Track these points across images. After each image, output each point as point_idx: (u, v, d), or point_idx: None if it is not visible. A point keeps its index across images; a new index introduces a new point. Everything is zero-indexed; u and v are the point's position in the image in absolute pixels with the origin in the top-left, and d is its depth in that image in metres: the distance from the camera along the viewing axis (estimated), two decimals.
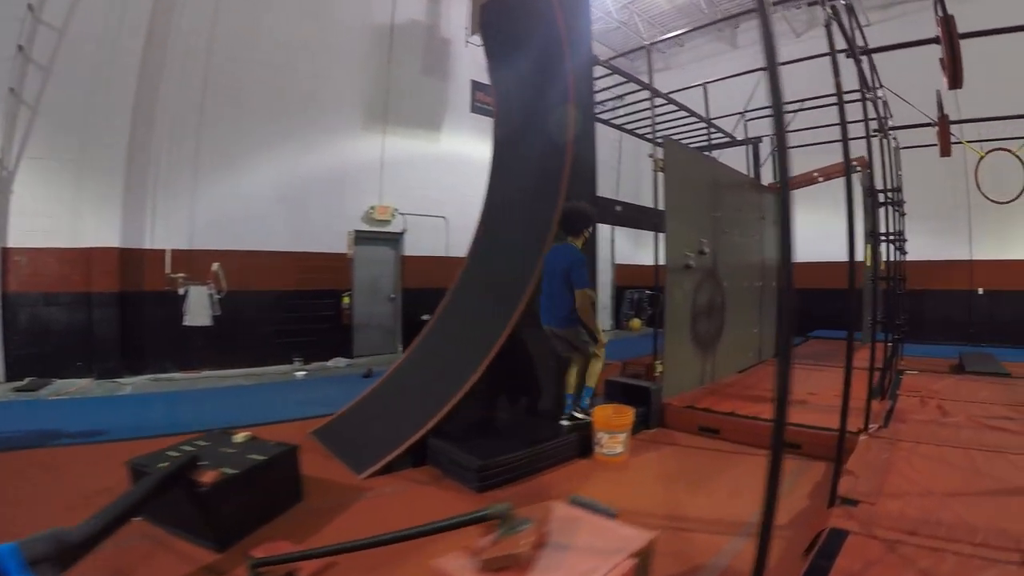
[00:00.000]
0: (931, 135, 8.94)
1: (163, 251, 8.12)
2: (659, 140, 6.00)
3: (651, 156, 6.00)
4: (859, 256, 7.63)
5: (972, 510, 3.23)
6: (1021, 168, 6.87)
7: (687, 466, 4.79)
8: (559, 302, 4.82)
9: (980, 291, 10.84)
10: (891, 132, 7.64)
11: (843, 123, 3.84)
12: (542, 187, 5.84)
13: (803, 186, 8.62)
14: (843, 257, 3.93)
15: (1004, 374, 7.21)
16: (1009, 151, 6.89)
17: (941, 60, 4.89)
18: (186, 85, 8.27)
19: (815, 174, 8.12)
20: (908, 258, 9.37)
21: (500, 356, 4.97)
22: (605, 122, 8.49)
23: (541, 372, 5.69)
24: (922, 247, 10.89)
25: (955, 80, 4.81)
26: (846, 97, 3.99)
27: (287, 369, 8.85)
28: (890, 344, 7.98)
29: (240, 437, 3.76)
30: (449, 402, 4.68)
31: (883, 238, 7.61)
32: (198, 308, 8.20)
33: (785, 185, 2.34)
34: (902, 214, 8.50)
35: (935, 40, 4.75)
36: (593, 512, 2.31)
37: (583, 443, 4.85)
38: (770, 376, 6.89)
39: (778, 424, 2.03)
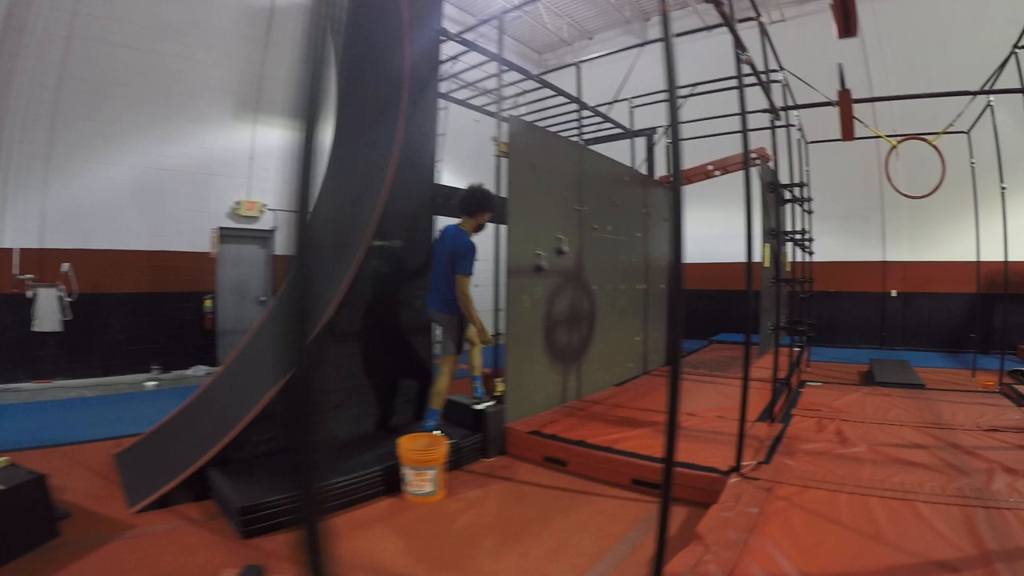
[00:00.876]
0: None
1: (10, 251, 6.40)
2: (505, 118, 4.46)
3: (494, 139, 4.47)
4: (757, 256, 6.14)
5: None
6: (939, 160, 5.43)
7: (514, 510, 3.31)
8: (445, 286, 3.99)
9: (893, 293, 9.44)
10: (794, 124, 6.18)
11: (744, 113, 2.43)
12: (370, 178, 4.39)
13: (698, 180, 7.14)
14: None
15: (918, 385, 5.74)
16: (925, 140, 5.44)
17: (831, 5, 3.46)
18: (41, 71, 6.57)
19: (709, 167, 6.65)
20: (818, 259, 7.95)
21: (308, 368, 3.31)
22: (474, 106, 6.97)
23: (380, 380, 4.23)
24: (834, 248, 9.50)
25: (846, 27, 3.36)
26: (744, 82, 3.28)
27: (143, 378, 7.11)
28: (796, 350, 6.54)
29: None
30: (236, 426, 3.40)
31: (787, 237, 6.17)
32: (47, 312, 6.51)
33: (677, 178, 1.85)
34: (808, 212, 7.05)
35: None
36: None
37: (391, 478, 3.44)
38: (653, 390, 5.45)
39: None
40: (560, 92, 6.49)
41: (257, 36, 8.42)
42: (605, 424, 4.39)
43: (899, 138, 5.63)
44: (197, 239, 7.88)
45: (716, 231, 8.31)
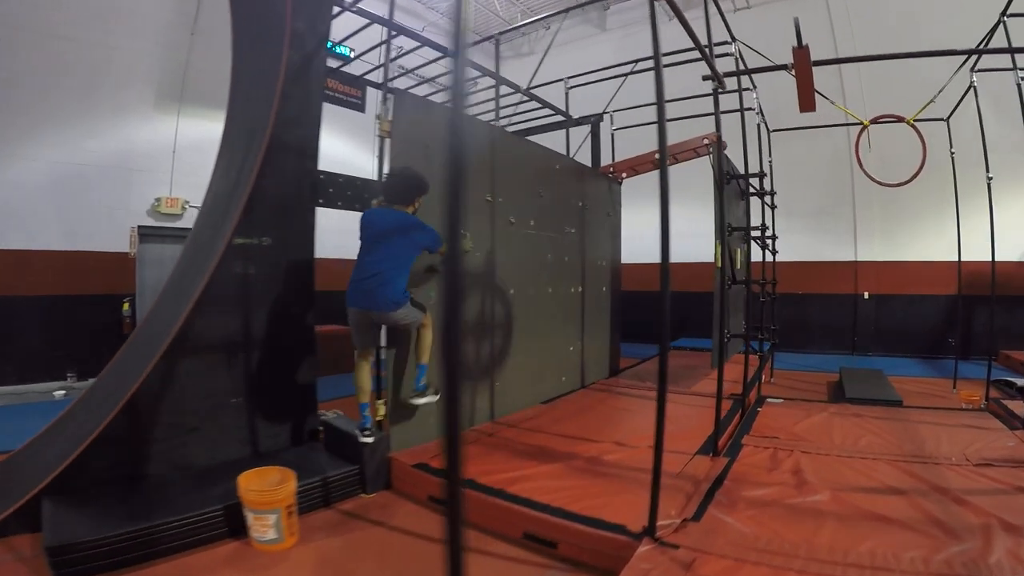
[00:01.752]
0: (810, 119, 6.82)
1: None
2: (392, 90, 3.60)
3: (378, 116, 3.63)
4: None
5: None
6: (919, 144, 4.64)
7: (369, 568, 2.60)
8: (396, 278, 3.26)
9: (866, 295, 8.70)
10: (751, 107, 5.38)
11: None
12: (243, 167, 3.74)
13: (645, 170, 6.29)
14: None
15: (894, 402, 4.93)
16: (901, 119, 4.66)
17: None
18: None
19: (657, 156, 5.79)
20: (784, 258, 7.16)
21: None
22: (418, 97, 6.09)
23: (247, 400, 3.54)
24: (802, 246, 8.72)
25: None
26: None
27: (55, 387, 6.23)
28: (758, 359, 5.72)
29: None
30: (75, 450, 2.88)
31: (741, 233, 5.37)
32: None
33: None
34: (772, 207, 6.26)
35: None
36: None
37: (236, 519, 2.76)
38: (585, 409, 4.59)
39: None
40: (488, 73, 5.61)
41: (184, 23, 7.60)
42: (510, 455, 3.51)
43: (871, 119, 4.83)
44: (116, 239, 7.14)
45: (673, 228, 7.39)
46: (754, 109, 5.33)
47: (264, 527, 2.64)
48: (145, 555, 2.51)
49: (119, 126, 7.06)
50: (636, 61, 5.63)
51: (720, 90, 3.37)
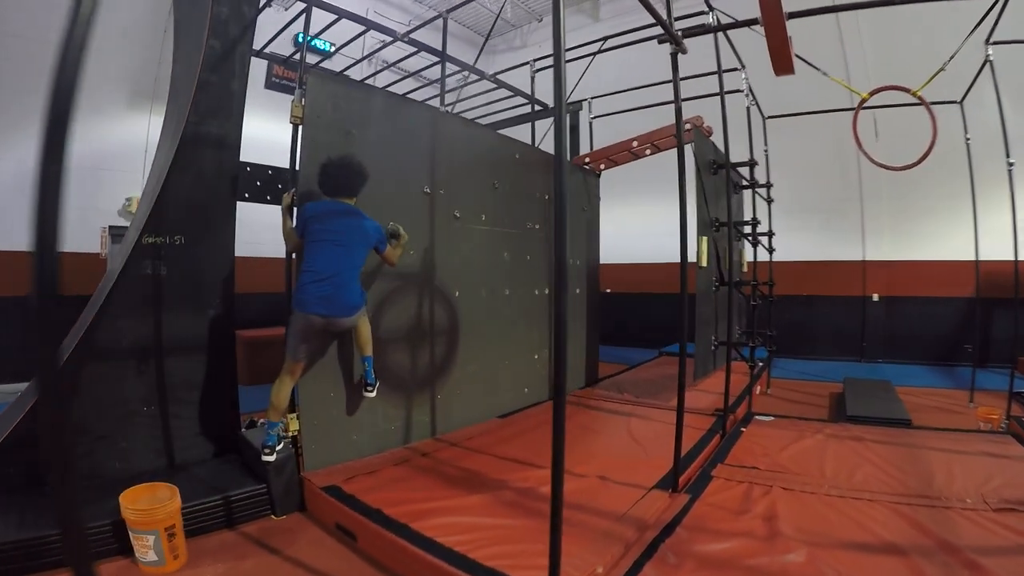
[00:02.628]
0: (810, 103, 6.15)
1: None
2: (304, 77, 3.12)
3: (295, 103, 3.14)
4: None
5: None
6: (929, 120, 3.98)
7: None
8: (354, 279, 3.00)
9: (875, 297, 7.96)
10: (741, 89, 4.79)
11: None
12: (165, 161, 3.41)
13: (624, 161, 5.68)
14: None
15: (902, 422, 4.28)
16: (906, 90, 4.01)
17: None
18: None
19: (635, 144, 5.20)
20: (787, 258, 6.54)
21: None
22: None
23: (161, 407, 3.22)
24: (806, 245, 8.01)
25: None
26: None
27: (11, 389, 5.89)
28: (751, 366, 5.09)
29: None
30: None
31: (737, 230, 4.76)
32: None
33: None
34: (767, 200, 5.65)
35: None
36: None
37: (124, 536, 2.48)
38: (541, 424, 3.99)
39: None
40: (433, 52, 5.06)
41: (157, 21, 7.26)
42: (435, 481, 3.00)
43: (871, 90, 4.17)
44: (86, 239, 6.89)
45: (666, 227, 6.78)
46: (742, 91, 4.72)
47: (144, 548, 2.38)
48: (25, 567, 2.29)
49: (91, 125, 6.72)
50: (606, 38, 5.03)
51: (680, 53, 2.78)
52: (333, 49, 7.80)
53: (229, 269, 3.46)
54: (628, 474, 3.07)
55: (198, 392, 3.32)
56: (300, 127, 3.12)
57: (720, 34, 3.96)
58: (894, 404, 4.82)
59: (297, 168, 3.15)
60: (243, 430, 3.45)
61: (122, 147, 7.10)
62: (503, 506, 2.69)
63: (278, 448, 2.89)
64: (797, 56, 2.98)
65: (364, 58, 6.55)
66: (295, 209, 3.06)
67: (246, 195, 3.93)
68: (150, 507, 2.41)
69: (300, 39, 8.13)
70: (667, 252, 7.79)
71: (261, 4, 4.08)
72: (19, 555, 2.29)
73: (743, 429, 4.01)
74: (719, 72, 3.79)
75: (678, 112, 2.84)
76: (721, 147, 4.39)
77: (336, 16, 4.39)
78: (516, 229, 4.76)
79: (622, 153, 5.39)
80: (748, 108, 4.91)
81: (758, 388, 5.66)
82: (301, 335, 2.92)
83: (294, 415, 3.05)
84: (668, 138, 5.04)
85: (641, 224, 8.49)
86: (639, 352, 7.97)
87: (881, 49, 7.43)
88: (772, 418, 4.36)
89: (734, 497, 2.79)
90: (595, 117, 6.11)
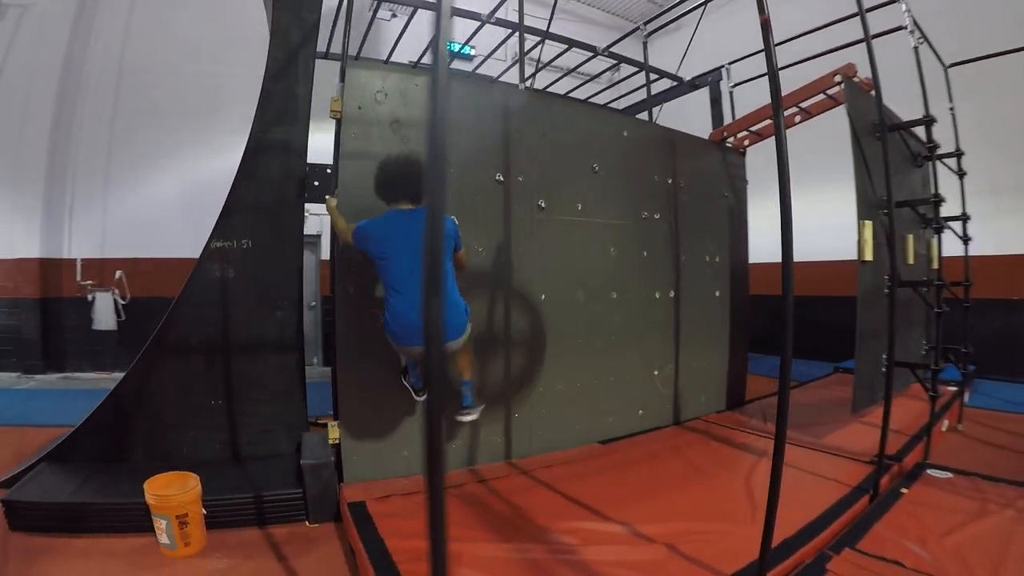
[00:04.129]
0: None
1: (75, 260, 7.14)
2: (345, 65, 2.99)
3: (333, 98, 3.03)
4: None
5: None
6: None
7: None
8: (454, 291, 2.59)
9: None
10: (904, 25, 3.39)
11: None
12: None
13: (767, 133, 4.39)
14: None
15: None
16: None
17: None
18: (100, 102, 7.23)
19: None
20: (990, 251, 4.63)
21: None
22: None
23: (228, 402, 3.45)
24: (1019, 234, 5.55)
25: None
26: None
27: None
28: (932, 395, 3.55)
29: None
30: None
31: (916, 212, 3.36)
32: (104, 313, 7.07)
33: None
34: (957, 173, 4.02)
35: None
36: None
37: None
38: (651, 458, 3.37)
39: None
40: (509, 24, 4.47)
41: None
42: (476, 514, 2.72)
43: None
44: None
45: (841, 219, 5.19)
46: (905, 27, 3.34)
47: (159, 530, 2.57)
48: (72, 527, 2.69)
49: (240, 144, 7.71)
50: None
51: None
52: (473, 52, 7.88)
53: (297, 270, 3.57)
54: (710, 546, 2.32)
55: (266, 391, 3.46)
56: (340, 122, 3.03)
57: None
58: None
59: (337, 165, 3.05)
60: (306, 432, 3.47)
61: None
62: (518, 566, 2.18)
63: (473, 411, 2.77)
64: None
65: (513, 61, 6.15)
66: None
67: (305, 195, 3.95)
68: (165, 494, 2.58)
69: (459, 49, 8.51)
70: (835, 248, 6.15)
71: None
72: (96, 515, 2.71)
73: (904, 490, 2.83)
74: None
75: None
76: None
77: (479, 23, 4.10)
78: (626, 219, 4.10)
79: (766, 124, 4.25)
80: (916, 49, 3.41)
81: (944, 424, 4.03)
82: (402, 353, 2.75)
83: (335, 423, 2.97)
84: (817, 97, 3.79)
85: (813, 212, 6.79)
86: (812, 366, 6.41)
87: None
88: (950, 474, 2.98)
89: None
90: (735, 85, 4.96)
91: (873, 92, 3.03)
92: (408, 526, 2.45)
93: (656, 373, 4.29)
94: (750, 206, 4.99)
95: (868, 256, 3.16)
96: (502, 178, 3.44)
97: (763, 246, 5.08)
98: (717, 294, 4.76)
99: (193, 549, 2.57)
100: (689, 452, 3.54)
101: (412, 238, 2.45)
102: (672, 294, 4.39)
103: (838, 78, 3.45)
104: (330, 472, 2.91)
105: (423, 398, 2.97)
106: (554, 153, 3.68)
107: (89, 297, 7.00)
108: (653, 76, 5.38)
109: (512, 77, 4.53)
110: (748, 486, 3.01)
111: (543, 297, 3.62)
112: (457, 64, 7.71)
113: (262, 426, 3.50)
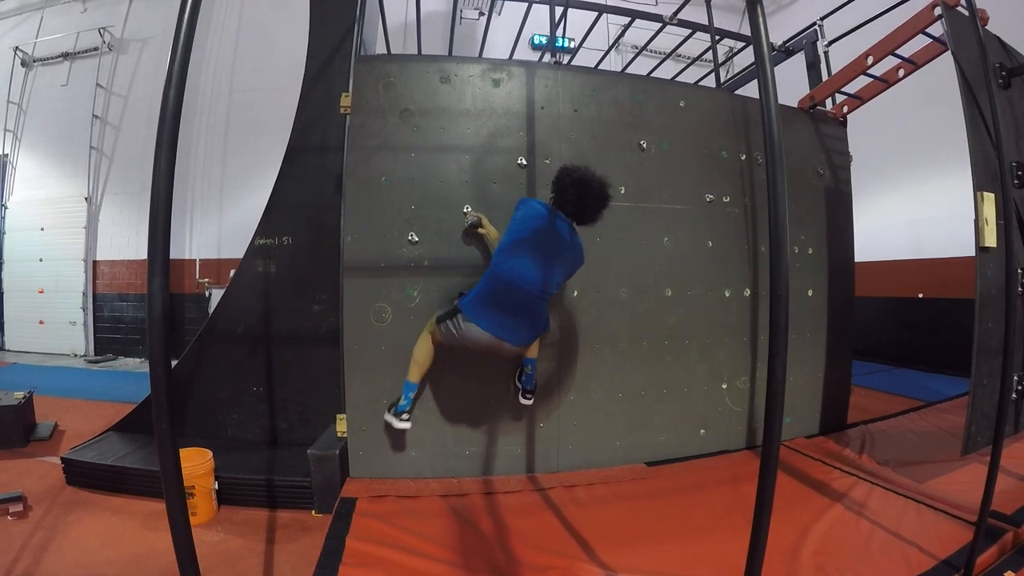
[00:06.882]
0: None
1: (194, 261, 8.08)
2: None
3: (344, 94, 2.88)
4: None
5: None
6: None
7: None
8: (542, 304, 2.60)
9: None
10: None
11: None
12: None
13: (870, 96, 3.39)
14: None
15: None
16: None
17: None
18: (213, 120, 8.12)
19: (869, 59, 3.00)
20: None
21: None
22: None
23: (269, 390, 3.62)
24: None
25: None
26: None
27: None
28: None
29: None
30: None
31: None
32: None
33: None
34: None
35: None
36: None
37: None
38: (701, 488, 2.93)
39: None
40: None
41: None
42: (459, 534, 2.41)
43: None
44: None
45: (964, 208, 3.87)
46: None
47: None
48: (112, 487, 3.04)
49: None
50: None
51: None
52: (574, 44, 7.41)
53: (334, 266, 3.45)
54: None
55: (304, 381, 3.53)
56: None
57: None
58: None
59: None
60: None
61: None
62: None
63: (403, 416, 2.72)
64: None
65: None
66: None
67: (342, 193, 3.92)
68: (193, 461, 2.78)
69: (535, 41, 8.21)
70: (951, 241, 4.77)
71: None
72: (132, 479, 3.02)
73: (1011, 574, 1.87)
74: None
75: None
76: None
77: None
78: (684, 204, 3.48)
79: (865, 84, 3.33)
80: None
81: None
82: (472, 346, 2.60)
83: (342, 417, 2.79)
84: (919, 42, 2.85)
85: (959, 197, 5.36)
86: (945, 382, 5.17)
87: None
88: None
89: None
90: (830, 43, 3.98)
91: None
92: (382, 531, 2.25)
93: (724, 387, 3.58)
94: (856, 188, 4.03)
95: (990, 241, 2.28)
96: (524, 162, 3.05)
97: (886, 238, 4.11)
98: (810, 293, 3.88)
99: (198, 520, 2.69)
100: (746, 486, 2.83)
101: (554, 245, 2.48)
102: (747, 292, 3.65)
103: (938, 9, 2.55)
104: (334, 464, 2.85)
105: (530, 401, 2.87)
106: (589, 130, 3.22)
107: (206, 293, 7.75)
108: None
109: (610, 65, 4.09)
110: (799, 539, 2.29)
111: (575, 293, 3.17)
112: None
113: (299, 415, 3.60)
